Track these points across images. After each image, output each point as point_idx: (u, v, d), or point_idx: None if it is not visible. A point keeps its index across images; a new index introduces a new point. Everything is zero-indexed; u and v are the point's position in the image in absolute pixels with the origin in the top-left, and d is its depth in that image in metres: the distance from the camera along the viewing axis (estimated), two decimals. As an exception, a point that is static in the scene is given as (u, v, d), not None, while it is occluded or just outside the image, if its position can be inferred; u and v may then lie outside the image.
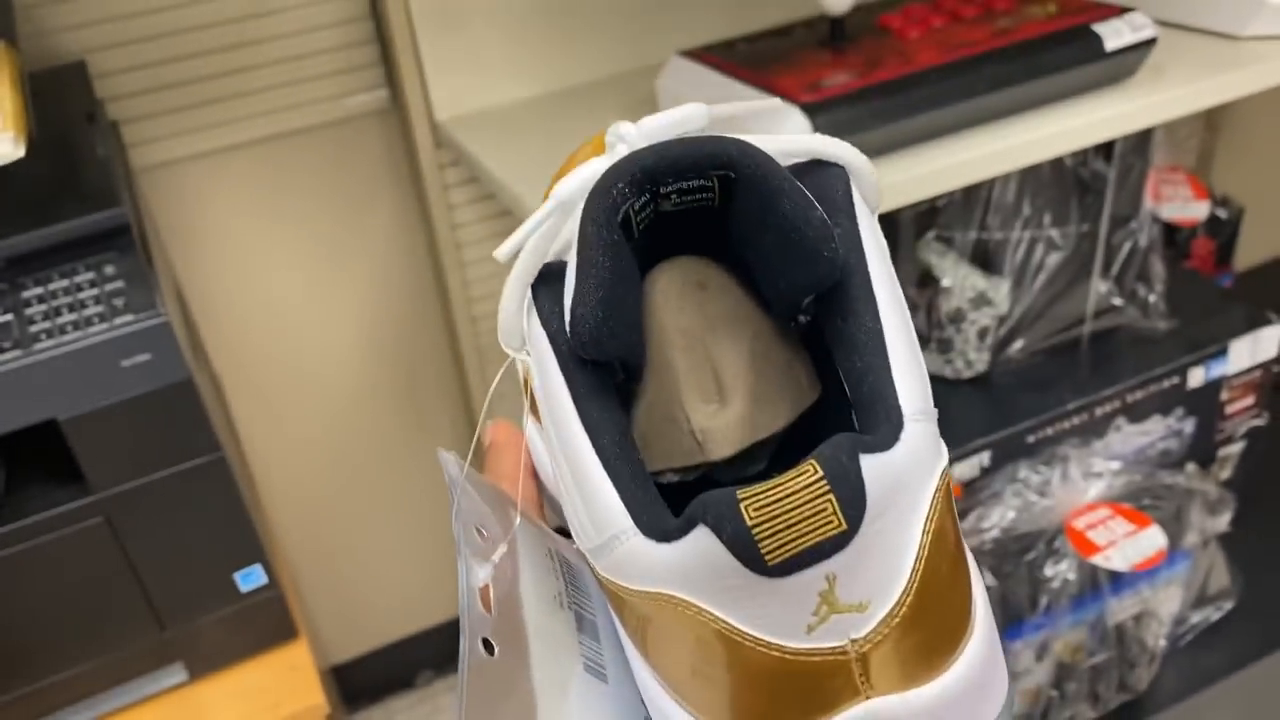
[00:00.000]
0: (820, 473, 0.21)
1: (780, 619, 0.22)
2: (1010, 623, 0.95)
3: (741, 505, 0.22)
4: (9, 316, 0.63)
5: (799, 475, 0.21)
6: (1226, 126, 1.39)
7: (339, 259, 1.03)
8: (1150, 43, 0.76)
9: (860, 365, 0.25)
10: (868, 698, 0.23)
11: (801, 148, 0.28)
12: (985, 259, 0.95)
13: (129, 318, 0.63)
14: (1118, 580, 0.96)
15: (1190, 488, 0.99)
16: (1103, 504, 0.94)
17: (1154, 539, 0.92)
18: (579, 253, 0.25)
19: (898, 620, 0.23)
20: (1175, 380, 1.00)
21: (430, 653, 1.32)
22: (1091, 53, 0.75)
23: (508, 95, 0.97)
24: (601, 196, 0.25)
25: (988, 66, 0.73)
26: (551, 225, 0.28)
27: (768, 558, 0.21)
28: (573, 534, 0.27)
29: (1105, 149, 0.93)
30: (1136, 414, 0.99)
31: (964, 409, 0.97)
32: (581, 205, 0.25)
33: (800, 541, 0.21)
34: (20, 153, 0.58)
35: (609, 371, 0.27)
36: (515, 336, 0.28)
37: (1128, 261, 1.01)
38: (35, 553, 0.68)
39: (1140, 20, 0.76)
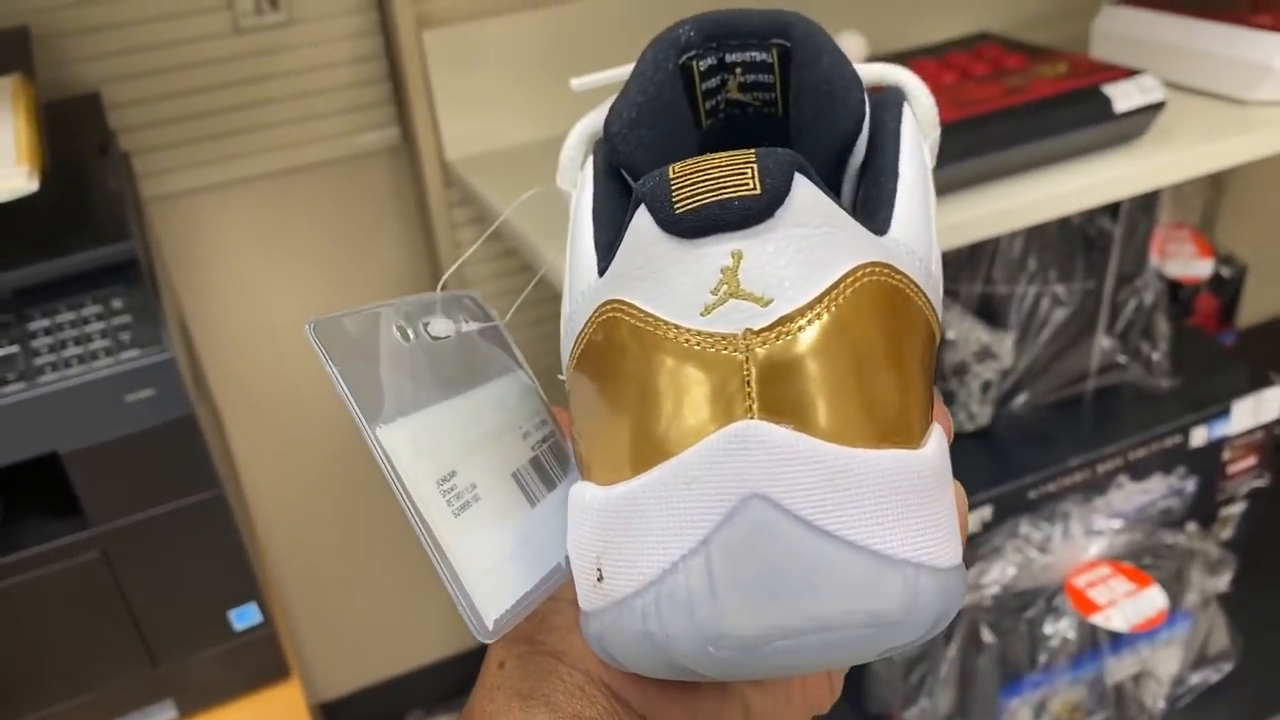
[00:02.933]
0: (752, 154, 0.22)
1: (682, 295, 0.22)
2: (1009, 680, 0.95)
3: (670, 168, 0.22)
4: (15, 349, 0.62)
5: (734, 153, 0.22)
6: (1231, 185, 1.40)
7: (345, 295, 1.03)
8: (1159, 105, 0.77)
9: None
10: (750, 418, 0.21)
11: (865, 73, 0.30)
12: (990, 313, 0.95)
13: (134, 353, 0.63)
14: (1117, 640, 0.96)
15: (1191, 547, 0.98)
16: (1103, 562, 0.93)
17: (1154, 599, 0.91)
18: (635, 68, 0.27)
19: (802, 333, 0.21)
20: (1178, 439, 1.00)
21: (421, 692, 1.31)
22: (1101, 114, 0.75)
23: (518, 137, 0.98)
24: (667, 32, 0.27)
25: (997, 125, 0.74)
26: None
27: (677, 206, 0.21)
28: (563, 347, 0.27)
29: (1112, 207, 0.94)
30: (1138, 472, 0.99)
31: (966, 462, 0.96)
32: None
33: (710, 195, 0.21)
34: (34, 186, 0.58)
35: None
36: (571, 174, 0.30)
37: (1132, 318, 1.02)
38: (30, 585, 0.67)
39: (1150, 83, 0.77)
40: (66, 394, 0.62)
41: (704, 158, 0.22)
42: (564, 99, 1.03)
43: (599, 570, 0.23)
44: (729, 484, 0.21)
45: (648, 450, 0.22)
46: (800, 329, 0.21)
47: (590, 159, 0.29)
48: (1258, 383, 1.02)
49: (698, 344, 0.22)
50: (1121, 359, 1.03)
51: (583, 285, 0.25)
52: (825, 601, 0.21)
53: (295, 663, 0.83)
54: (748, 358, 0.21)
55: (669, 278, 0.22)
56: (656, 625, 0.22)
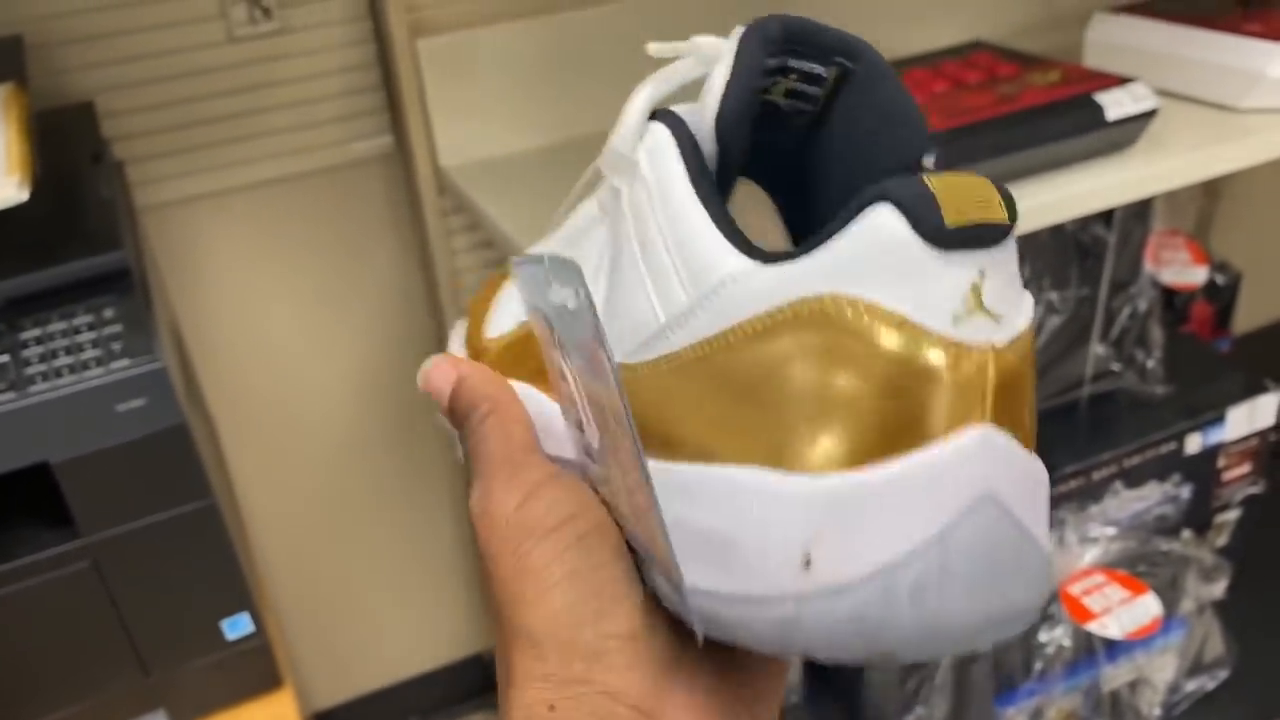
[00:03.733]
0: (988, 181, 0.24)
1: (934, 302, 0.23)
2: (1004, 688, 0.95)
3: (928, 179, 0.24)
4: (5, 358, 0.62)
5: (965, 176, 0.24)
6: (1225, 192, 1.40)
7: (339, 302, 1.03)
8: (1151, 113, 0.77)
9: None
10: (985, 422, 0.23)
11: None
12: (984, 320, 0.95)
13: (126, 362, 0.63)
14: (1113, 647, 0.96)
15: (1186, 554, 0.98)
16: (1098, 570, 0.93)
17: (1149, 607, 0.91)
18: (735, 63, 0.29)
19: (1021, 349, 0.24)
20: (1172, 446, 1.00)
21: (415, 701, 1.30)
22: (1093, 122, 0.76)
23: (512, 145, 0.98)
24: (758, 27, 0.29)
25: (990, 133, 0.74)
26: (684, 70, 0.31)
27: (947, 219, 0.23)
28: (638, 323, 0.28)
29: (1105, 214, 0.94)
30: (1133, 479, 0.99)
31: (960, 470, 0.96)
32: (727, 60, 0.29)
33: (975, 214, 0.23)
34: (24, 196, 0.58)
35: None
36: (624, 162, 0.30)
37: (1126, 326, 1.02)
38: (21, 595, 0.67)
39: (1141, 91, 0.77)
40: (58, 403, 0.62)
41: (954, 176, 0.24)
42: (558, 106, 1.03)
43: (806, 557, 0.23)
44: (972, 483, 0.23)
45: (876, 443, 0.23)
46: (1023, 348, 0.24)
47: (653, 141, 0.29)
48: (1252, 389, 1.02)
49: (954, 351, 0.23)
50: (1116, 366, 1.03)
51: (720, 271, 0.26)
52: (1024, 592, 0.24)
53: (289, 672, 0.83)
54: (993, 370, 0.23)
55: (920, 283, 0.23)
56: (878, 612, 0.23)
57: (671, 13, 0.98)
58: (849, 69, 0.29)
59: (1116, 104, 0.76)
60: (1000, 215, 0.23)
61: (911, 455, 0.23)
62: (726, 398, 0.25)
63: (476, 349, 0.37)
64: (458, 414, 0.32)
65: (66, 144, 0.77)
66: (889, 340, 0.23)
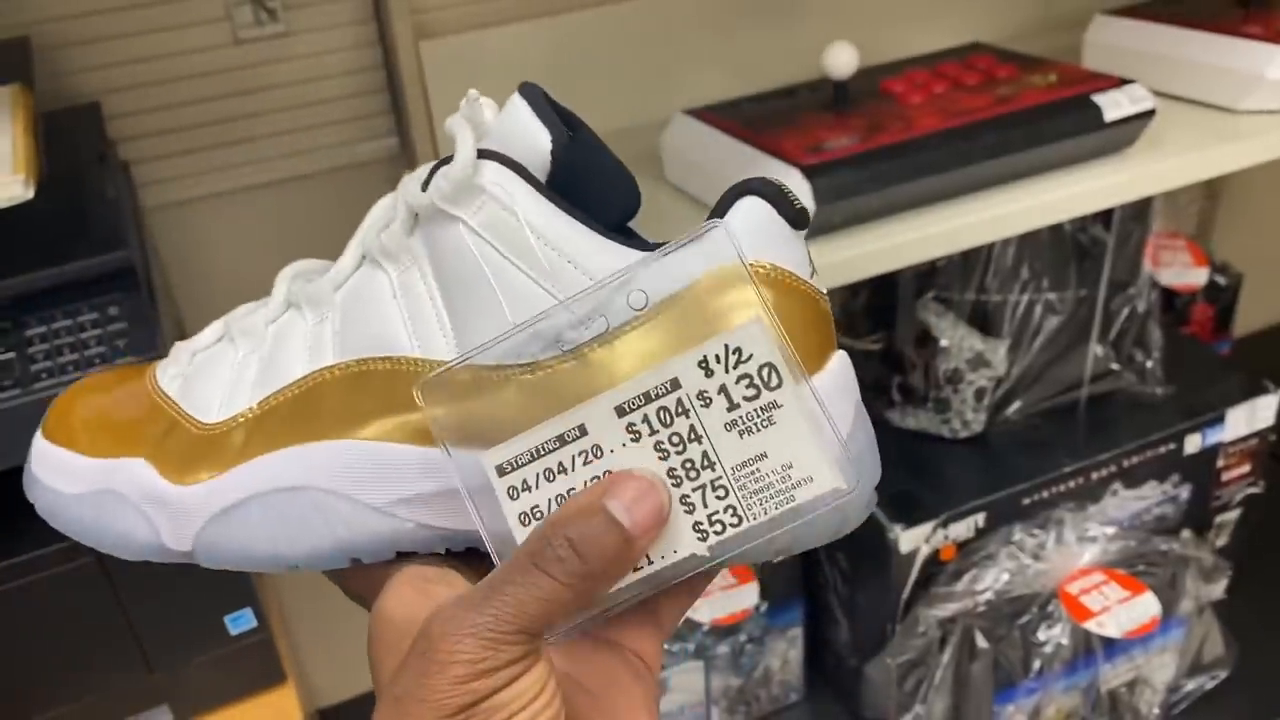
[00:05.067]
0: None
1: (803, 263, 0.32)
2: (1003, 687, 0.95)
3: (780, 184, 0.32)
4: (11, 355, 0.63)
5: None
6: (1226, 194, 1.40)
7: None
8: (1149, 114, 0.77)
9: None
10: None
11: None
12: (984, 320, 0.96)
13: (130, 359, 0.64)
14: (1111, 646, 0.96)
15: (1185, 554, 0.99)
16: (1097, 569, 0.94)
17: (1148, 605, 0.92)
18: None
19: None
20: (1172, 446, 1.00)
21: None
22: (1091, 123, 0.76)
23: (515, 146, 0.98)
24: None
25: (988, 133, 0.74)
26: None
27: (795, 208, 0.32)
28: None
29: (1105, 215, 0.95)
30: (1132, 479, 1.00)
31: (960, 469, 0.97)
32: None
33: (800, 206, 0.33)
34: (29, 194, 0.59)
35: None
36: (466, 189, 0.32)
37: (1126, 326, 1.02)
38: (27, 591, 0.68)
39: (1139, 92, 0.77)
40: (63, 400, 0.62)
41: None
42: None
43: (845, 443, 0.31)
44: (853, 386, 0.33)
45: (814, 360, 0.32)
46: None
47: (495, 169, 0.33)
48: (1252, 390, 1.03)
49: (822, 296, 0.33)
50: (1115, 366, 1.03)
51: (629, 260, 0.31)
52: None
53: (292, 668, 0.84)
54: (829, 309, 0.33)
55: (791, 250, 0.32)
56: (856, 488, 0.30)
57: (672, 15, 0.98)
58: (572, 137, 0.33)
59: (1115, 105, 0.77)
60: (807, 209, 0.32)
61: (828, 367, 0.32)
62: (682, 340, 0.29)
63: (187, 439, 0.35)
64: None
65: (73, 144, 0.77)
66: (798, 291, 0.31)
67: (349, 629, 1.23)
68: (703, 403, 0.29)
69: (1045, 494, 0.96)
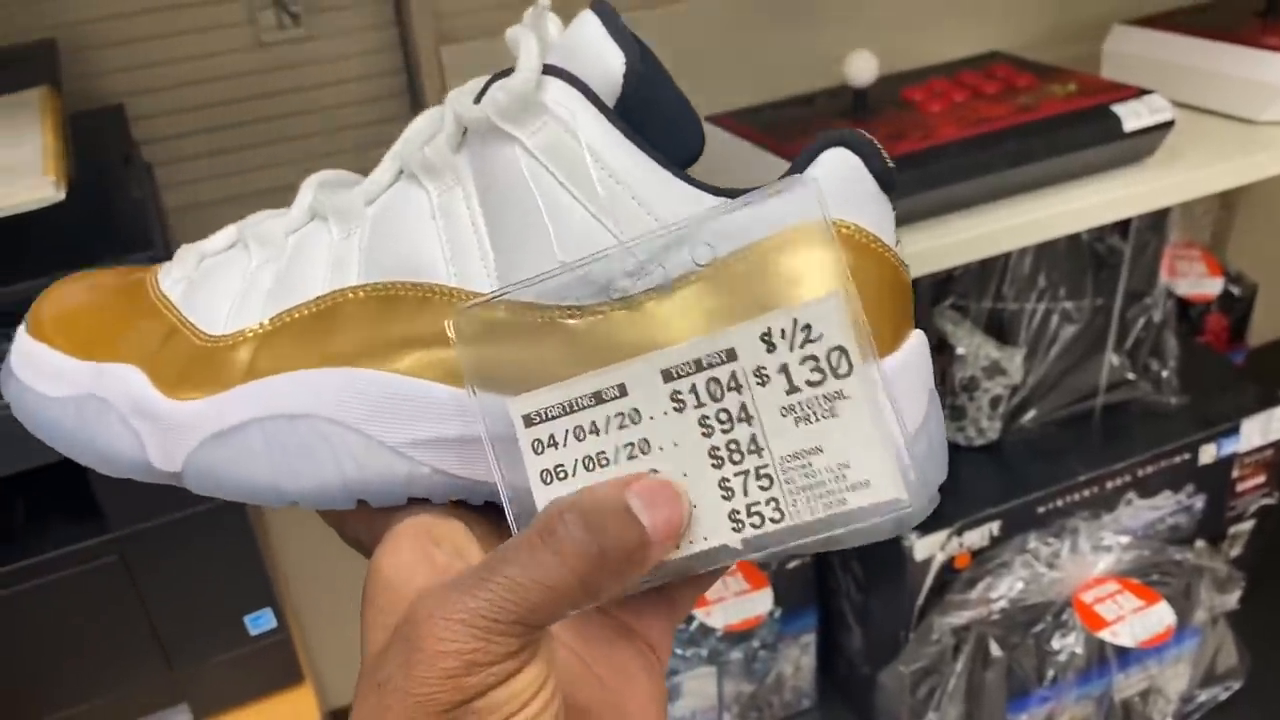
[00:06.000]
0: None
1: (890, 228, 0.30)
2: (1016, 695, 0.95)
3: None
4: (39, 354, 0.64)
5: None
6: (1242, 205, 1.40)
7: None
8: (1168, 125, 0.78)
9: None
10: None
11: None
12: (1000, 329, 0.96)
13: (156, 359, 0.64)
14: (1125, 655, 0.96)
15: (1199, 564, 0.99)
16: (1111, 578, 0.94)
17: (1162, 615, 0.92)
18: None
19: None
20: (1186, 456, 1.00)
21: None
22: (1110, 133, 0.76)
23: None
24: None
25: (1008, 142, 0.75)
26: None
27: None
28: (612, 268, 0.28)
29: (1122, 225, 0.95)
30: (1147, 488, 1.00)
31: (975, 477, 0.97)
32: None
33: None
34: (60, 196, 0.59)
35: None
36: (529, 106, 0.29)
37: (1141, 336, 1.02)
38: (51, 588, 0.68)
39: (1159, 103, 0.78)
40: (90, 399, 0.63)
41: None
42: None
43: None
44: (928, 367, 0.30)
45: (889, 337, 0.29)
46: None
47: (560, 88, 0.30)
48: (1267, 401, 1.03)
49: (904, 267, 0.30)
50: (1130, 376, 1.03)
51: (703, 205, 0.29)
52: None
53: (309, 669, 0.84)
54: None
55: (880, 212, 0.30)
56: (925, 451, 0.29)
57: (693, 22, 0.99)
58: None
59: (1134, 115, 0.77)
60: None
61: (911, 340, 0.29)
62: (746, 305, 0.26)
63: (187, 350, 0.32)
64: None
65: (99, 146, 0.78)
66: (880, 258, 0.28)
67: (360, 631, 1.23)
68: (759, 380, 0.25)
69: (1060, 503, 0.96)
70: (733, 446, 0.26)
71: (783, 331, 0.25)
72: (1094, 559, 0.95)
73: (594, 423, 0.27)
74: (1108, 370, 1.02)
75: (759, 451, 0.26)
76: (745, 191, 0.27)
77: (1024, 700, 0.95)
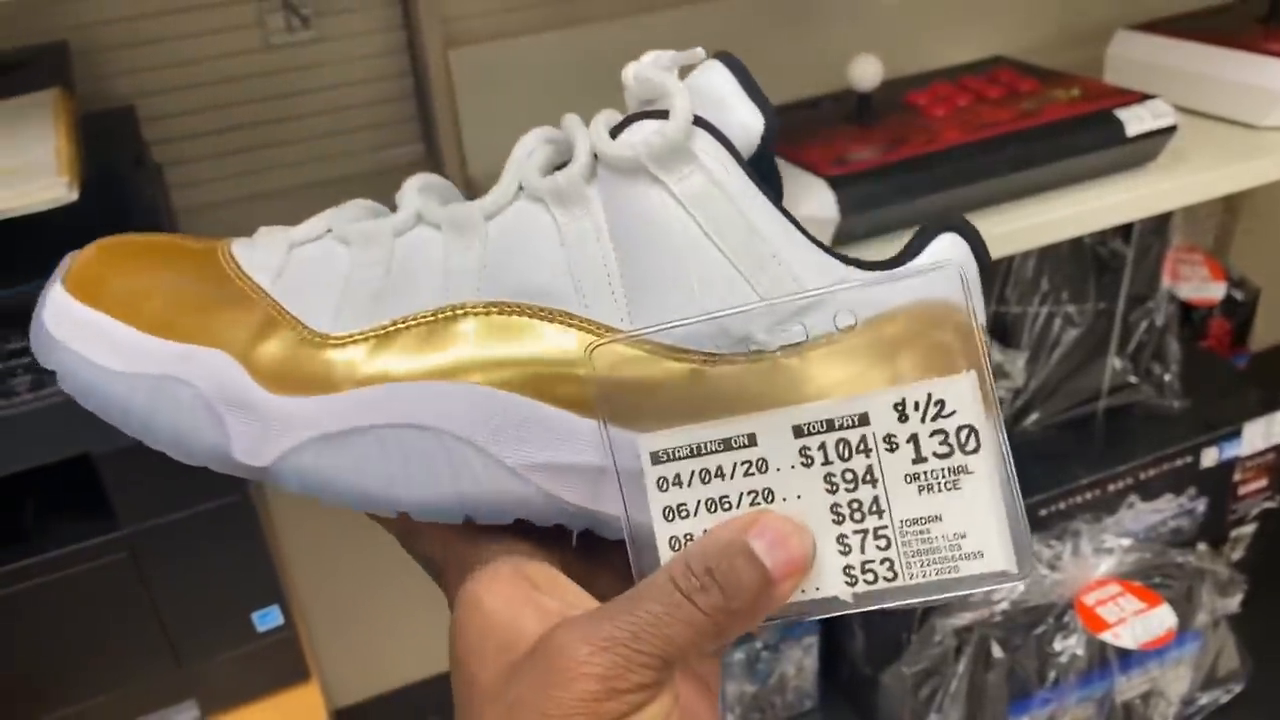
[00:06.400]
0: None
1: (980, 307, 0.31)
2: (1018, 697, 0.95)
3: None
4: (51, 352, 0.64)
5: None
6: (1245, 209, 1.41)
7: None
8: (1171, 130, 0.78)
9: None
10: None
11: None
12: (1003, 332, 0.96)
13: (166, 358, 0.65)
14: (1126, 658, 0.96)
15: (1201, 567, 0.99)
16: (1113, 580, 0.94)
17: (1164, 618, 0.92)
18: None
19: None
20: (1188, 459, 1.01)
21: (438, 699, 1.32)
22: (1113, 137, 0.77)
23: (540, 153, 1.00)
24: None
25: (1011, 147, 0.75)
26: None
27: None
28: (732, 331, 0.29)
29: (1124, 229, 0.95)
30: (1149, 491, 1.00)
31: (977, 479, 0.97)
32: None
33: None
34: (74, 196, 0.60)
35: None
36: (678, 153, 0.30)
37: (1144, 340, 1.03)
38: (60, 584, 0.69)
39: (1162, 108, 0.78)
40: (101, 397, 0.64)
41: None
42: (588, 114, 1.05)
43: None
44: None
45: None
46: None
47: (707, 141, 0.30)
48: (1269, 405, 1.03)
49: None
50: (1133, 379, 1.04)
51: (835, 275, 0.30)
52: None
53: (315, 667, 0.85)
54: None
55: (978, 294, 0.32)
56: None
57: (698, 26, 0.99)
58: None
59: (1137, 120, 0.77)
60: None
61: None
62: (882, 374, 0.28)
63: (294, 344, 0.31)
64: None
65: (109, 147, 0.79)
66: (969, 331, 0.27)
67: (366, 630, 1.24)
68: (888, 446, 0.27)
69: (1062, 505, 0.96)
70: (855, 505, 0.27)
71: (916, 404, 0.27)
72: (1096, 561, 0.95)
73: (720, 467, 0.28)
74: (1110, 374, 1.02)
75: (880, 513, 0.27)
76: (877, 264, 0.29)
77: (1025, 702, 0.96)
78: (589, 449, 0.29)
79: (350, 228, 0.33)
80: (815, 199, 0.71)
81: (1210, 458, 1.02)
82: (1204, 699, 1.07)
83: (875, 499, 0.27)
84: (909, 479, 0.27)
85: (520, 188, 0.32)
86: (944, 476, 0.27)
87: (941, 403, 0.26)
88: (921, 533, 0.27)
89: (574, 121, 0.33)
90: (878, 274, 0.29)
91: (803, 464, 0.27)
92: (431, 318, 0.31)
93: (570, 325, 0.30)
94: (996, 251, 0.77)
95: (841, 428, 0.27)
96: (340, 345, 0.31)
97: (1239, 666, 1.08)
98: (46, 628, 0.71)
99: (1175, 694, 1.03)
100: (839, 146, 0.76)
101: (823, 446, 0.27)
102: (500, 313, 0.30)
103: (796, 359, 0.28)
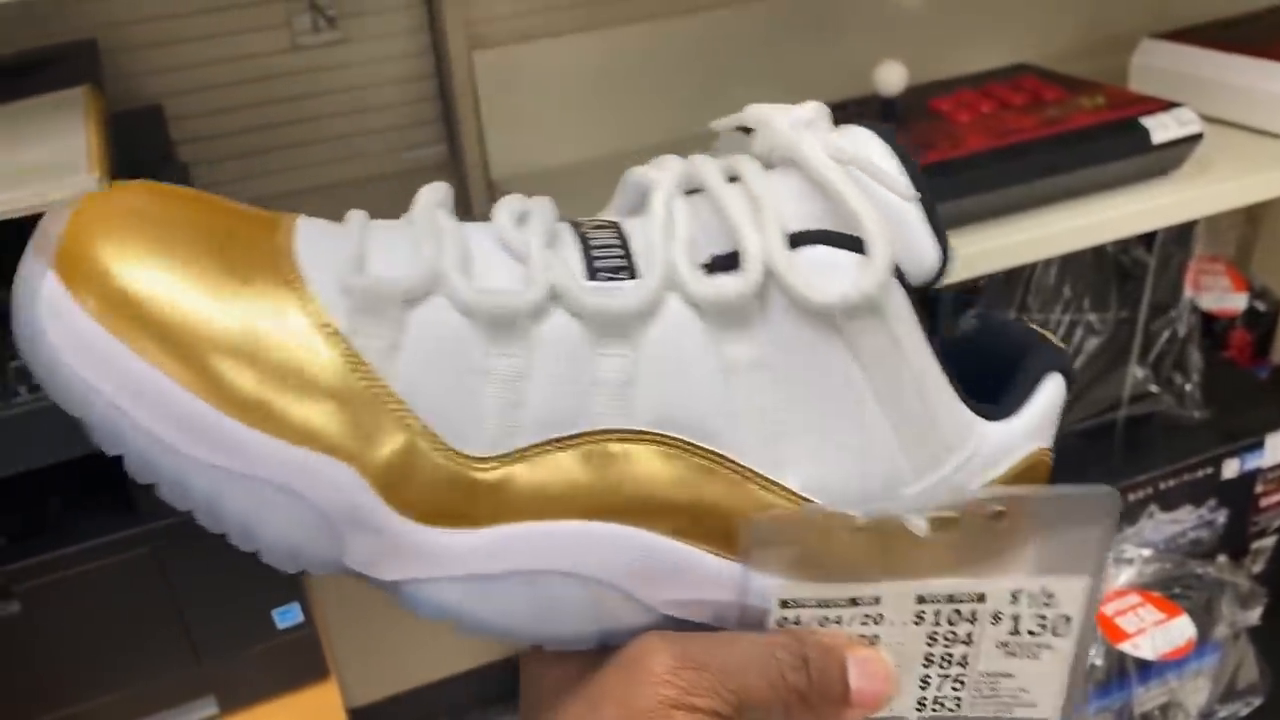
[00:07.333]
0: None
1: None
2: (1035, 705, 0.95)
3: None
4: (78, 348, 0.65)
5: None
6: (1267, 219, 1.40)
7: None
8: (1196, 138, 0.78)
9: None
10: None
11: None
12: (1024, 340, 0.96)
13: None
14: (1145, 669, 0.96)
15: (1221, 579, 0.98)
16: (1132, 590, 0.94)
17: (1183, 629, 0.91)
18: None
19: None
20: (1209, 470, 1.00)
21: (452, 699, 1.32)
22: (1138, 145, 0.77)
23: (563, 156, 1.00)
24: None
25: (1035, 154, 0.75)
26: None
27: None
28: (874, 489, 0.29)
29: (1147, 237, 0.95)
30: (1169, 502, 0.99)
31: (997, 487, 0.97)
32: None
33: None
34: (103, 193, 0.60)
35: None
36: (865, 305, 0.28)
37: (1165, 349, 1.02)
38: (82, 579, 0.69)
39: (1188, 116, 0.78)
40: (126, 393, 0.64)
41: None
42: (610, 118, 1.05)
43: None
44: None
45: None
46: None
47: (896, 294, 0.29)
48: (1292, 417, 1.03)
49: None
50: (1154, 389, 1.03)
51: (973, 432, 0.31)
52: None
53: (333, 666, 0.85)
54: None
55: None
56: None
57: (723, 30, 0.99)
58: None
59: (1162, 128, 0.77)
60: None
61: None
62: (1011, 560, 0.30)
63: (433, 468, 0.27)
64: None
65: (137, 145, 0.79)
66: (1100, 543, 0.30)
67: (381, 630, 1.24)
68: (992, 620, 0.30)
69: (1082, 514, 0.96)
70: (947, 657, 0.30)
71: (1031, 594, 0.29)
72: (1115, 571, 0.95)
73: (840, 618, 0.30)
74: (1131, 383, 1.02)
75: (964, 665, 0.30)
76: (1007, 396, 0.31)
77: (1043, 711, 0.95)
78: (726, 589, 0.29)
79: (473, 294, 0.27)
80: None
81: (1231, 469, 1.01)
82: (1223, 712, 1.06)
83: (965, 655, 0.30)
84: (999, 645, 0.30)
85: (670, 281, 0.28)
86: (1029, 648, 0.30)
87: (1052, 595, 0.29)
88: (992, 683, 0.30)
89: (732, 205, 0.28)
90: (1044, 491, 0.31)
91: (915, 622, 0.30)
92: (582, 442, 0.27)
93: (726, 468, 0.28)
94: (1018, 259, 0.77)
95: (959, 601, 0.29)
96: (484, 469, 0.27)
97: (1259, 679, 1.07)
98: (67, 622, 0.72)
99: (1194, 706, 1.03)
100: (863, 152, 0.76)
101: (937, 612, 0.30)
102: (659, 447, 0.27)
103: (938, 535, 0.29)
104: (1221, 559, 1.03)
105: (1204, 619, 0.95)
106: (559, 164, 1.00)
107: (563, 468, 0.27)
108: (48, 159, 0.63)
